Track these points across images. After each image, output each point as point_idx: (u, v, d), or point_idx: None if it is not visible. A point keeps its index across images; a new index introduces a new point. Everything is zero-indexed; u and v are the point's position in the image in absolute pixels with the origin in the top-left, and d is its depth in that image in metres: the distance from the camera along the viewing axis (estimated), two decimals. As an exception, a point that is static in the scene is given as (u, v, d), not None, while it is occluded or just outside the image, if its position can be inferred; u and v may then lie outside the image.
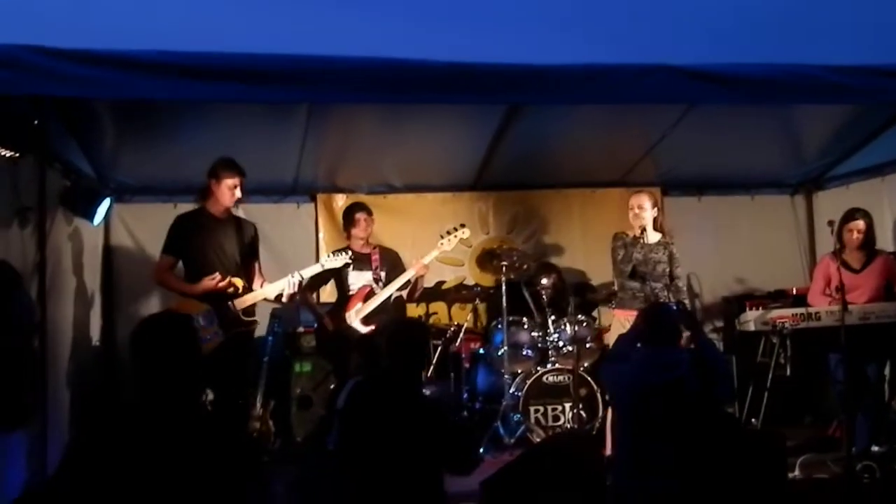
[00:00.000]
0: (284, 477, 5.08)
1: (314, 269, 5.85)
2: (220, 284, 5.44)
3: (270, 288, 5.71)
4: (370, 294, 6.17)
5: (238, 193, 5.61)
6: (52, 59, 3.71)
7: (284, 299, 5.77)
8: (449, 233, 6.30)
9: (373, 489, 3.65)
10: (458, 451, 3.98)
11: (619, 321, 5.95)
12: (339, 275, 6.29)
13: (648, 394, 4.12)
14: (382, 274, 6.25)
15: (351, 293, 6.25)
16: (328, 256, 6.01)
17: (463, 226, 6.41)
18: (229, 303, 5.51)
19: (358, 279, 6.27)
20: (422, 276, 6.27)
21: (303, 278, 5.73)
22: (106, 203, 6.53)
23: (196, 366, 3.31)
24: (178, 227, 5.59)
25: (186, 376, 3.20)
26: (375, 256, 6.30)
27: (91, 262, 6.96)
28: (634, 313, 5.75)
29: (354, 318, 6.13)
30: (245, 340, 5.71)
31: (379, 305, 6.15)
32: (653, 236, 6.08)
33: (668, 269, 6.07)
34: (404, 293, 6.35)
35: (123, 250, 7.36)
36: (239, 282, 5.58)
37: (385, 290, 6.18)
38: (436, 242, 6.43)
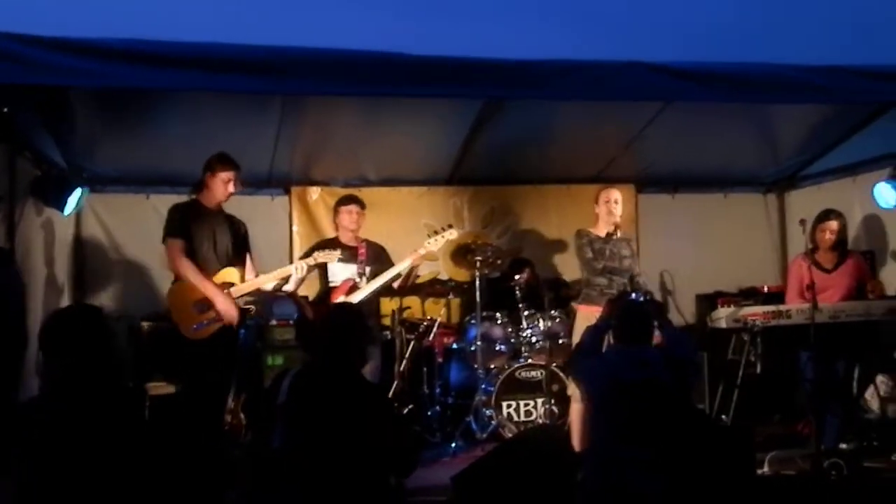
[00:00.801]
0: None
1: (306, 263, 5.82)
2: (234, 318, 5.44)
3: (266, 277, 5.70)
4: (353, 288, 6.10)
5: (232, 188, 5.57)
6: (24, 47, 3.68)
7: (293, 287, 5.82)
8: (437, 232, 6.24)
9: (322, 484, 3.57)
10: (401, 442, 3.91)
11: (584, 316, 5.95)
12: (321, 266, 6.23)
13: (622, 391, 4.13)
14: (367, 269, 6.18)
15: (333, 285, 6.16)
16: (323, 252, 5.96)
17: (450, 226, 6.35)
18: (226, 291, 5.47)
19: (342, 272, 6.16)
20: (416, 266, 6.21)
21: (305, 268, 5.74)
22: (77, 193, 6.44)
23: (106, 358, 3.30)
24: (177, 212, 5.51)
25: (94, 368, 3.19)
26: (362, 250, 6.23)
27: (62, 252, 6.90)
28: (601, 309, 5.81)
29: (337, 311, 6.07)
30: (237, 330, 5.70)
31: (362, 300, 6.08)
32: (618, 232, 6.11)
33: (631, 264, 6.11)
34: (396, 284, 6.26)
35: (95, 241, 7.30)
36: (235, 273, 5.55)
37: (370, 284, 6.09)
38: (411, 236, 6.39)
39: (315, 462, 3.58)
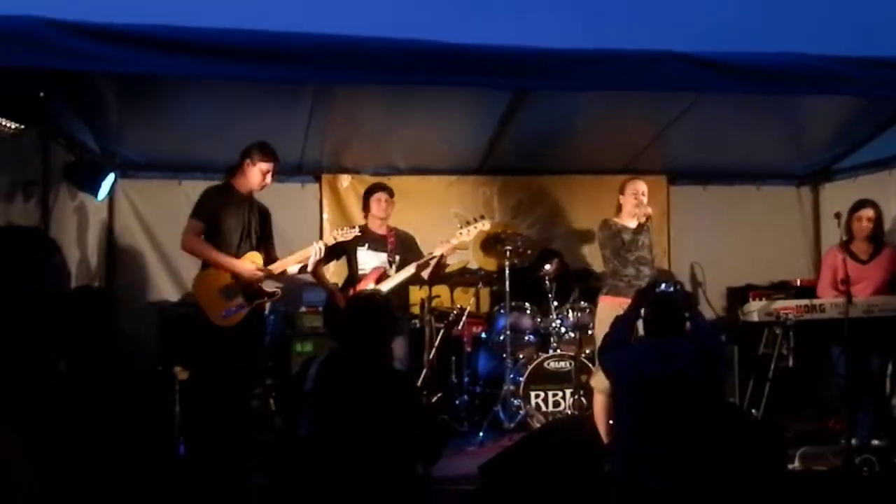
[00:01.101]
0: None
1: (325, 243, 5.85)
2: (258, 275, 5.51)
3: (292, 258, 5.77)
4: (383, 276, 6.09)
5: (269, 179, 5.63)
6: (58, 32, 3.69)
7: (310, 268, 5.83)
8: (469, 223, 6.21)
9: (350, 471, 3.58)
10: (427, 430, 3.91)
11: (609, 307, 5.90)
12: (350, 253, 6.24)
13: (645, 385, 4.10)
14: (397, 257, 6.17)
15: (363, 272, 6.15)
16: (340, 231, 5.98)
17: (483, 217, 6.31)
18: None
19: (371, 259, 6.15)
20: (445, 256, 6.19)
21: (325, 246, 5.77)
22: (110, 178, 6.50)
23: (108, 341, 3.36)
24: (209, 196, 5.58)
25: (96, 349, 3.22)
26: (392, 239, 6.21)
27: (94, 236, 6.97)
28: (629, 301, 5.77)
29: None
30: (264, 316, 5.76)
31: (391, 288, 6.08)
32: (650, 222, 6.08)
33: (650, 255, 6.08)
34: (425, 273, 6.24)
35: (127, 226, 7.36)
36: (258, 257, 5.60)
37: (400, 272, 6.09)
38: (439, 225, 6.37)
39: (342, 450, 3.59)
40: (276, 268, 5.69)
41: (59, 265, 4.75)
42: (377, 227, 6.28)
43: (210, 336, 5.39)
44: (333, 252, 6.29)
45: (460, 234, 6.15)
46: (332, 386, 3.76)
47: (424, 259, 6.10)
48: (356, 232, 6.00)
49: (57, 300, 3.46)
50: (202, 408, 5.17)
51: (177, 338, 6.53)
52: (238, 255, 5.51)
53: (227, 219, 5.51)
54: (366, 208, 6.40)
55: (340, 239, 5.94)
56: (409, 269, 6.08)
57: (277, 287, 5.80)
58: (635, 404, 4.13)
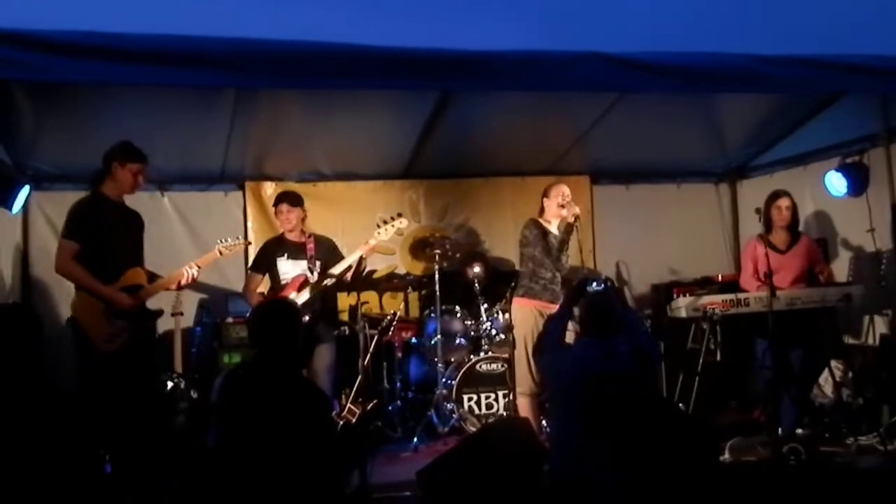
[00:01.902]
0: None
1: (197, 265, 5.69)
2: (133, 304, 5.23)
3: (164, 281, 5.51)
4: (305, 283, 6.04)
5: (141, 180, 5.38)
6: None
7: (185, 282, 5.57)
8: (385, 222, 6.18)
9: (255, 481, 3.55)
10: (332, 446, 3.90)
11: (528, 310, 5.95)
12: (270, 265, 6.17)
13: (591, 385, 4.12)
14: (318, 263, 6.11)
15: (284, 282, 6.09)
16: (224, 243, 5.84)
17: (400, 215, 6.30)
18: (135, 295, 5.28)
19: (292, 268, 6.11)
20: (366, 259, 6.14)
21: (198, 269, 5.58)
22: (25, 191, 6.29)
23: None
24: (81, 212, 5.25)
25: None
26: (310, 245, 6.15)
27: (8, 250, 6.72)
28: (545, 304, 5.82)
29: (288, 308, 6.00)
30: (152, 335, 5.58)
31: (313, 295, 6.02)
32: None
33: (567, 257, 6.15)
34: (348, 276, 6.19)
35: (42, 239, 7.11)
36: (141, 274, 5.37)
37: (321, 277, 6.04)
38: (366, 230, 6.32)
39: (246, 459, 3.56)
40: (148, 293, 5.37)
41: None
42: (294, 237, 6.22)
43: (96, 360, 5.08)
44: (258, 268, 6.28)
45: (378, 233, 6.12)
46: (235, 396, 3.76)
47: (344, 266, 6.05)
48: (242, 242, 5.91)
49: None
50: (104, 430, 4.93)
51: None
52: (121, 272, 5.23)
53: (106, 234, 5.20)
54: (277, 219, 6.33)
55: (227, 252, 5.82)
56: (335, 271, 6.04)
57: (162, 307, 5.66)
58: (580, 403, 4.15)
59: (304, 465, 3.61)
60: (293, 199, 6.25)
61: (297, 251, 6.15)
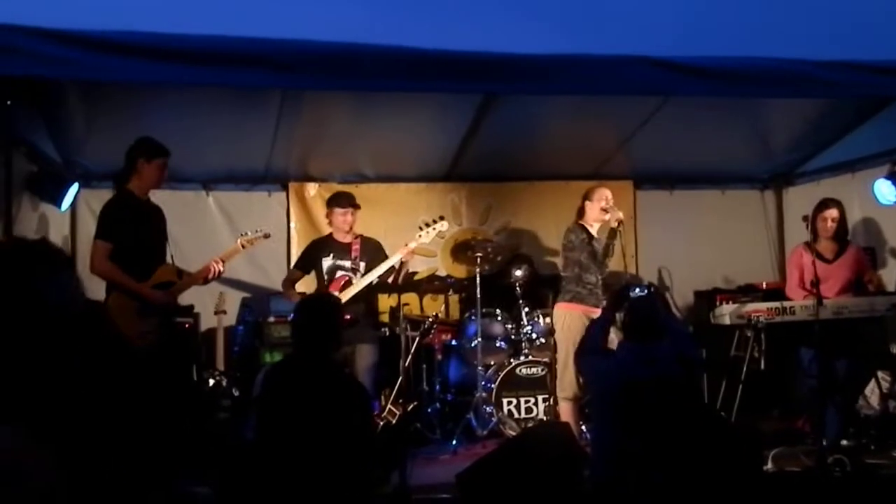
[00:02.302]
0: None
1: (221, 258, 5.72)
2: (170, 300, 5.32)
3: (194, 277, 5.51)
4: (347, 283, 6.08)
5: (165, 173, 5.42)
6: (22, 38, 3.61)
7: (212, 276, 5.57)
8: (427, 224, 6.21)
9: (299, 476, 3.56)
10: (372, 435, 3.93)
11: (572, 315, 5.93)
12: (315, 264, 6.24)
13: (634, 390, 4.10)
14: (362, 264, 6.15)
15: (328, 282, 6.16)
16: (246, 236, 5.86)
17: (442, 218, 6.33)
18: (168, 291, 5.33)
19: (336, 269, 6.18)
20: (407, 262, 6.17)
21: (223, 263, 5.58)
22: (74, 189, 6.40)
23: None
24: (112, 212, 5.25)
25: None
26: (356, 246, 6.21)
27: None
28: (591, 309, 5.80)
29: (329, 306, 6.04)
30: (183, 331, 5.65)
31: (356, 294, 6.06)
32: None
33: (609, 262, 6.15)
34: (390, 279, 6.23)
35: (89, 236, 7.18)
36: (172, 271, 5.42)
37: (364, 278, 6.09)
38: (408, 232, 6.35)
39: (286, 453, 3.58)
40: (179, 288, 5.41)
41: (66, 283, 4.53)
42: (341, 237, 6.27)
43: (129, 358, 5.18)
44: (301, 266, 6.38)
45: (420, 236, 6.16)
46: (278, 390, 3.79)
47: (385, 268, 6.07)
48: (262, 234, 5.89)
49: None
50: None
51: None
52: (153, 269, 5.26)
53: (138, 232, 5.23)
54: (329, 219, 6.37)
55: (248, 245, 5.80)
56: (371, 276, 6.09)
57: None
58: (621, 408, 4.13)
59: (341, 458, 3.62)
60: (348, 201, 6.31)
61: (342, 251, 6.21)
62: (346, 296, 6.03)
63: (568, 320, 6.00)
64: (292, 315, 4.54)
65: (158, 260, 5.36)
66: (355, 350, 5.99)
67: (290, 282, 6.36)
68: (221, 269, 5.56)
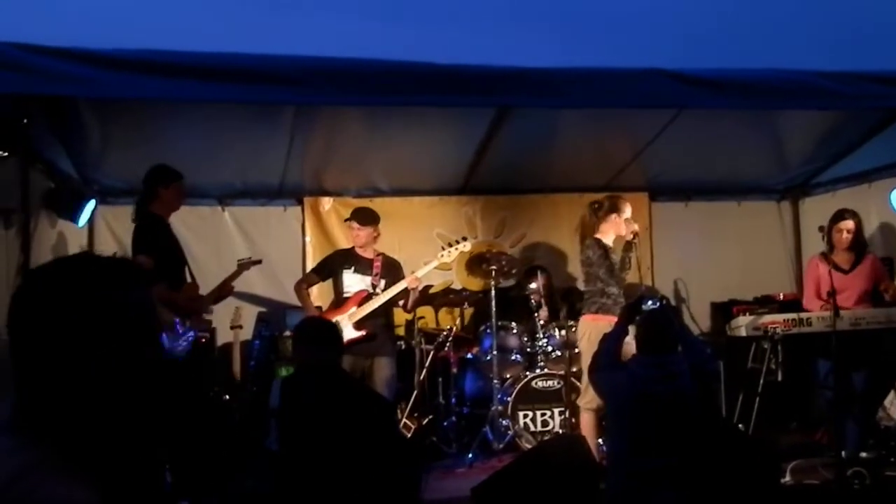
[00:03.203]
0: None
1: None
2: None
3: (214, 291, 5.85)
4: (366, 299, 6.12)
5: (185, 194, 5.72)
6: (39, 57, 3.65)
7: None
8: (451, 244, 6.30)
9: (325, 486, 3.58)
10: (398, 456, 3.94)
11: (596, 326, 5.92)
12: (336, 274, 6.29)
13: (650, 403, 4.08)
14: (382, 282, 6.21)
15: (347, 296, 6.19)
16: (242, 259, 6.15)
17: (465, 239, 6.40)
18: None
19: (357, 283, 6.22)
20: (415, 289, 6.20)
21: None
22: (91, 205, 6.46)
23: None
24: (149, 230, 5.41)
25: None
26: (378, 263, 6.27)
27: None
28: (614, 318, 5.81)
29: (347, 321, 6.07)
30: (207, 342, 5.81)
31: (372, 311, 6.09)
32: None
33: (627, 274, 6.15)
34: (400, 302, 6.31)
35: (107, 253, 7.26)
36: (195, 290, 5.64)
37: (379, 297, 6.13)
38: (423, 245, 6.39)
39: (316, 463, 3.61)
40: (206, 302, 5.72)
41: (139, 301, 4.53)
42: (364, 252, 6.29)
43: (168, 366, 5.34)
44: (319, 272, 6.42)
45: (441, 255, 6.24)
46: (299, 400, 3.83)
47: (394, 292, 6.16)
48: (253, 259, 6.23)
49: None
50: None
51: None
52: (182, 285, 5.49)
53: (170, 250, 5.45)
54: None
55: (243, 268, 6.13)
56: (383, 297, 6.16)
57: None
58: (636, 422, 4.11)
59: (370, 465, 3.64)
60: (362, 218, 6.35)
61: (364, 267, 6.27)
62: (364, 311, 6.07)
63: (593, 331, 5.99)
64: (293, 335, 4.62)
65: (184, 278, 5.54)
66: (373, 363, 6.05)
67: (305, 283, 6.45)
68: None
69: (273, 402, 3.90)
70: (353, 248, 6.38)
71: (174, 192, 5.55)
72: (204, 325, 5.77)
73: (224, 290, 5.88)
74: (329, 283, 6.42)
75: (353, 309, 6.10)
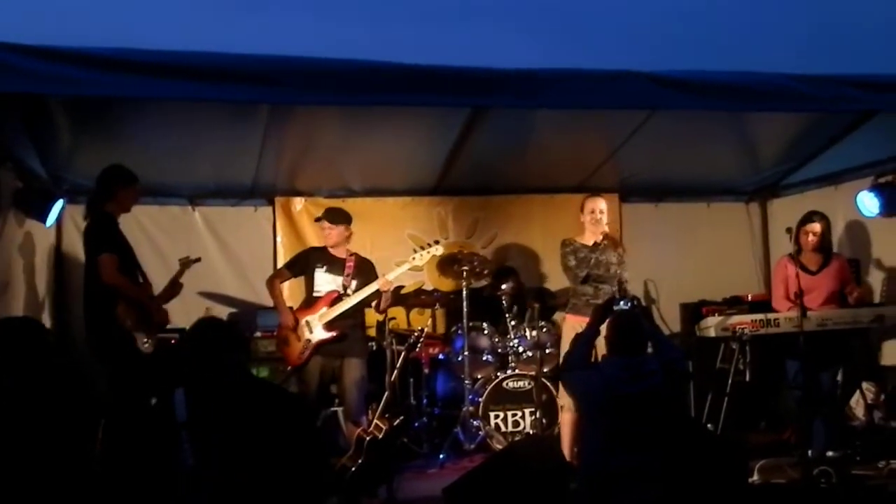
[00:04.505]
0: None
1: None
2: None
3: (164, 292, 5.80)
4: (337, 299, 6.09)
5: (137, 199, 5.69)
6: (8, 55, 3.63)
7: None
8: (423, 247, 6.27)
9: (248, 495, 3.51)
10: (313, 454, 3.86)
11: (571, 326, 5.94)
12: (308, 273, 6.25)
13: (621, 404, 4.11)
14: (354, 283, 6.17)
15: (317, 295, 6.15)
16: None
17: (437, 242, 6.42)
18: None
19: (328, 282, 6.17)
20: (387, 291, 6.18)
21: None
22: (59, 204, 6.39)
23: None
24: (106, 229, 5.35)
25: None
26: (350, 263, 6.22)
27: (42, 265, 6.80)
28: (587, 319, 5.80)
29: (318, 321, 6.05)
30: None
31: (343, 312, 6.07)
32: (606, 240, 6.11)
33: (618, 271, 6.07)
34: (372, 303, 6.28)
35: (75, 252, 7.19)
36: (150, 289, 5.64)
37: (350, 298, 6.11)
38: (395, 246, 6.37)
39: (234, 477, 3.53)
40: (160, 302, 5.67)
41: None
42: (338, 252, 6.26)
43: (141, 363, 5.31)
44: (292, 267, 6.39)
45: (413, 258, 6.24)
46: (210, 411, 3.64)
47: (365, 294, 6.13)
48: (192, 257, 6.09)
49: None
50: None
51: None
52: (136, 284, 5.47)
53: (124, 250, 5.40)
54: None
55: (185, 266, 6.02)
56: (356, 298, 6.12)
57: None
58: (608, 422, 4.13)
59: (286, 474, 3.57)
60: (333, 217, 6.31)
61: (337, 267, 6.22)
62: (335, 312, 6.04)
63: (566, 331, 6.03)
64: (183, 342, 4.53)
65: (137, 279, 5.48)
66: (343, 364, 6.04)
67: (277, 279, 6.37)
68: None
69: (179, 416, 3.65)
70: (325, 247, 6.35)
71: (132, 194, 5.53)
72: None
73: (175, 290, 5.83)
74: (300, 282, 6.36)
75: (324, 309, 6.07)
